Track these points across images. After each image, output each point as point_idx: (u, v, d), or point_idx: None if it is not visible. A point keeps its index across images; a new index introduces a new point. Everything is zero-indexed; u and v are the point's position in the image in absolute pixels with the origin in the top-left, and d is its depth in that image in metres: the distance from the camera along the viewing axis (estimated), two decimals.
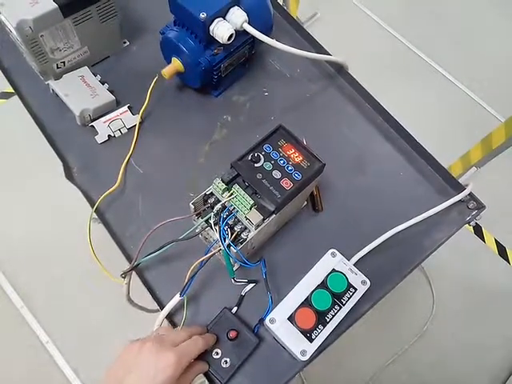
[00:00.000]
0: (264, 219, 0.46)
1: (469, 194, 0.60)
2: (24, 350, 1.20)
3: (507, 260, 1.46)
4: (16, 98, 0.67)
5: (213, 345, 0.48)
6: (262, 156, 0.48)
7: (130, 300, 0.54)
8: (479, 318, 1.36)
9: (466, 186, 0.60)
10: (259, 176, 0.47)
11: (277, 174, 0.47)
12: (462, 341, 1.32)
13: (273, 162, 0.48)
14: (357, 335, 1.26)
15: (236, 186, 0.46)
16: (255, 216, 0.45)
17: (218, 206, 0.46)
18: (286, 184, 0.47)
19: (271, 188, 0.46)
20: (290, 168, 0.48)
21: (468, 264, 1.44)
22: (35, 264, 1.30)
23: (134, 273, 0.52)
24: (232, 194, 0.46)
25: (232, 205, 0.46)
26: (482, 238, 1.49)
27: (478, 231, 1.50)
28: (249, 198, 0.45)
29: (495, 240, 1.48)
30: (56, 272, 1.29)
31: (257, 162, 0.48)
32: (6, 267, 1.29)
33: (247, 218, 0.45)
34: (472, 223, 0.60)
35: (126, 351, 0.41)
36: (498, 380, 1.29)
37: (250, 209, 0.45)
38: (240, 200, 0.46)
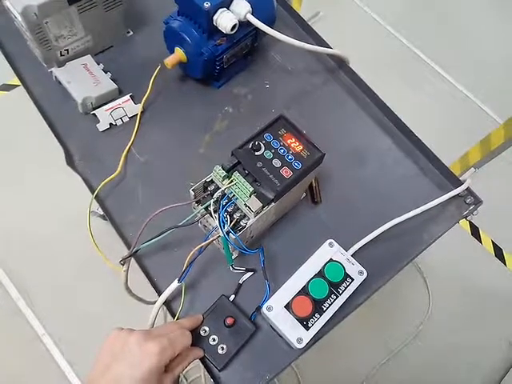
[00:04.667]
0: (263, 207, 0.46)
1: (466, 189, 0.61)
2: (20, 342, 1.20)
3: (503, 262, 1.47)
4: (17, 90, 0.67)
5: (209, 331, 0.49)
6: (262, 145, 0.48)
7: (127, 288, 0.54)
8: (475, 319, 1.37)
9: (464, 181, 0.61)
10: (259, 164, 0.47)
11: (277, 163, 0.47)
12: (457, 341, 1.33)
13: (273, 150, 0.48)
14: (352, 334, 1.26)
15: (236, 174, 0.46)
16: (255, 203, 0.46)
17: (218, 193, 0.47)
18: (286, 173, 0.47)
19: (271, 176, 0.46)
20: (290, 157, 0.48)
21: (464, 265, 1.44)
22: (33, 256, 1.30)
23: (133, 262, 0.52)
24: (232, 181, 0.46)
25: (232, 192, 0.46)
26: (479, 240, 1.49)
27: (475, 233, 1.50)
28: (249, 186, 0.46)
29: (492, 242, 1.49)
30: (53, 265, 1.29)
31: (257, 151, 0.48)
32: (3, 259, 1.29)
33: (247, 205, 0.45)
34: (469, 218, 0.60)
35: (113, 338, 0.42)
36: (492, 380, 1.29)
37: (250, 196, 0.46)
38: (240, 187, 0.46)
